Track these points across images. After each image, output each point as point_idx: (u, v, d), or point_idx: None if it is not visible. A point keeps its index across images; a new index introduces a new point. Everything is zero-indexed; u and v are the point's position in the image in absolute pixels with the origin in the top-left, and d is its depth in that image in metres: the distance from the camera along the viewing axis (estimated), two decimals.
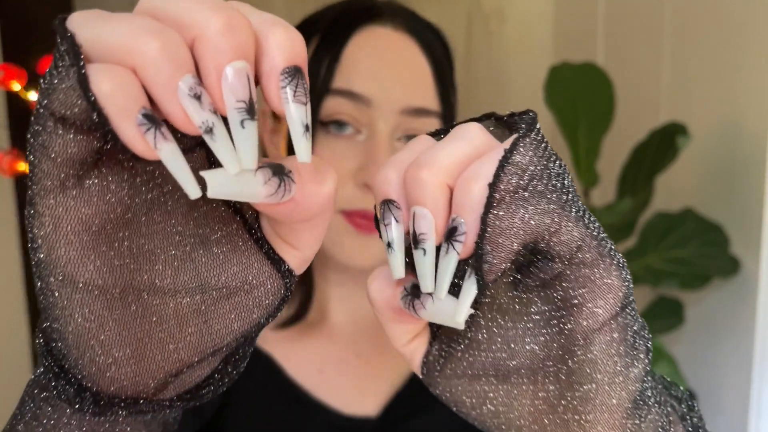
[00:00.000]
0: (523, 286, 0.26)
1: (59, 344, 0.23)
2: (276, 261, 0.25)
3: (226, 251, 0.24)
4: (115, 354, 0.23)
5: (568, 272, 0.24)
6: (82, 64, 0.19)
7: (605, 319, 0.24)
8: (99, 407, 0.23)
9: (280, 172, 0.21)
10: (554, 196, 0.23)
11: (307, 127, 0.21)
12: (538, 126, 0.23)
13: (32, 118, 0.20)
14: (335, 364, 0.59)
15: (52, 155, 0.20)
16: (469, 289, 0.23)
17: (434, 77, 0.54)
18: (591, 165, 1.13)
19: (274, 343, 0.58)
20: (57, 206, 0.20)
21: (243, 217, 0.24)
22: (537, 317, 0.26)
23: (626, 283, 0.25)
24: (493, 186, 0.22)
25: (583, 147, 1.11)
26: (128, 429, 0.25)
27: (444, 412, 0.57)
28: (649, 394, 0.27)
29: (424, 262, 0.23)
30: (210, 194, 0.20)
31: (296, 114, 0.21)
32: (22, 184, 1.28)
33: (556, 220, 0.23)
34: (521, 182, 0.22)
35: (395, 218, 0.24)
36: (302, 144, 0.21)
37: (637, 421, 0.26)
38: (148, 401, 0.24)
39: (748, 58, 1.03)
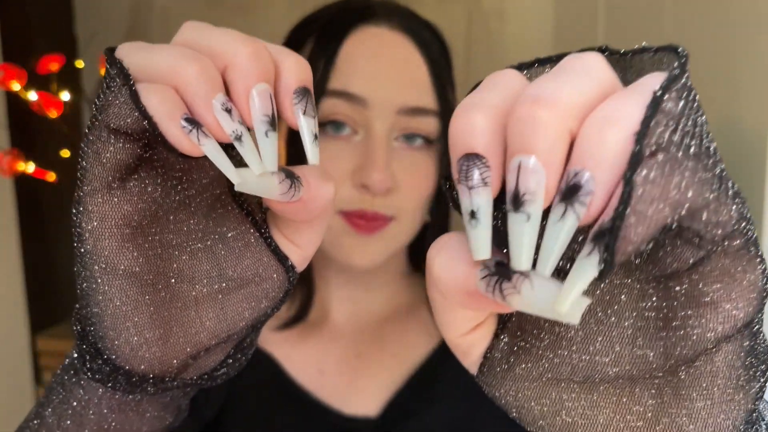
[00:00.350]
0: (640, 273, 0.21)
1: (97, 327, 0.26)
2: (281, 257, 0.28)
3: (241, 246, 0.28)
4: (147, 335, 0.26)
5: (705, 262, 0.19)
6: (132, 82, 0.23)
7: (744, 323, 0.20)
8: (131, 385, 0.27)
9: (291, 176, 0.24)
10: (710, 162, 0.18)
11: (316, 135, 0.25)
12: (688, 69, 0.18)
13: (86, 130, 0.24)
14: (335, 364, 0.59)
15: (104, 161, 0.24)
16: (585, 269, 0.17)
17: (431, 76, 0.54)
18: None
19: (275, 344, 0.58)
20: (104, 204, 0.24)
21: (253, 219, 0.28)
22: (653, 314, 0.21)
23: (764, 278, 0.20)
24: (641, 137, 0.17)
25: None
26: (149, 409, 0.29)
27: (444, 412, 0.57)
28: (762, 407, 0.23)
29: (525, 231, 0.18)
30: (237, 188, 0.23)
31: (307, 126, 0.24)
32: (22, 184, 1.28)
33: (714, 192, 0.18)
34: (674, 138, 0.17)
35: (483, 180, 0.18)
36: (312, 150, 0.25)
37: None
38: (173, 379, 0.27)
39: (748, 58, 1.04)
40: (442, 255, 0.21)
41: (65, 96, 1.06)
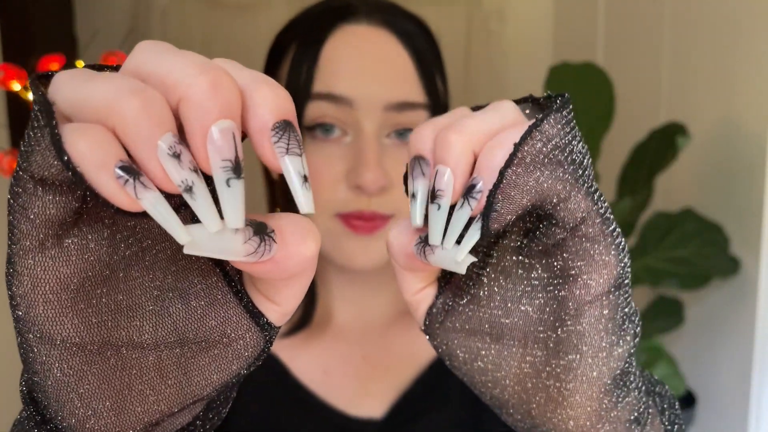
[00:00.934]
0: (527, 250, 0.28)
1: (40, 396, 0.23)
2: (255, 314, 0.24)
3: (205, 305, 0.24)
4: (95, 406, 0.23)
5: (570, 243, 0.26)
6: (54, 123, 0.19)
7: (597, 293, 0.26)
8: None
9: (261, 231, 0.21)
10: (570, 168, 0.24)
11: (305, 177, 0.21)
12: (570, 106, 0.25)
13: (12, 180, 0.20)
14: (340, 365, 0.59)
15: (31, 216, 0.20)
16: (473, 234, 0.24)
17: (417, 69, 0.53)
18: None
19: (280, 345, 0.58)
20: (36, 266, 0.21)
21: (223, 270, 0.24)
22: (536, 282, 0.28)
23: (622, 264, 0.26)
24: (517, 146, 0.23)
25: None
26: None
27: (449, 415, 0.56)
28: (631, 379, 0.29)
29: (437, 216, 0.25)
30: (186, 251, 0.20)
31: (293, 167, 0.21)
32: None
33: (567, 188, 0.24)
34: (544, 149, 0.24)
35: (423, 172, 0.26)
36: (302, 195, 0.21)
37: (614, 400, 0.28)
38: None
39: (747, 58, 1.03)
40: (395, 229, 0.28)
41: None
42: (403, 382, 0.58)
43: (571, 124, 0.25)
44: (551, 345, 0.28)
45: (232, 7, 1.64)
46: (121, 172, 0.19)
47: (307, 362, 0.58)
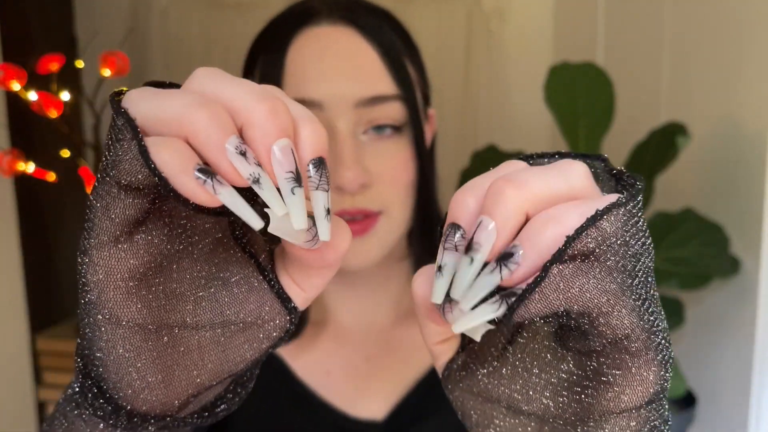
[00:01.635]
0: (561, 341, 0.26)
1: (100, 370, 0.26)
2: (285, 299, 0.28)
3: (245, 291, 0.27)
4: (149, 379, 0.26)
5: (608, 350, 0.24)
6: (141, 137, 0.22)
7: (627, 407, 0.25)
8: (132, 424, 0.27)
9: (315, 224, 0.24)
10: (620, 277, 0.22)
11: (328, 210, 0.24)
12: (640, 198, 0.23)
13: (96, 184, 0.24)
14: (342, 365, 0.59)
15: (113, 216, 0.23)
16: (486, 312, 0.23)
17: (384, 62, 0.52)
18: None
19: (282, 346, 0.58)
20: (110, 258, 0.24)
21: (257, 261, 0.28)
22: (564, 376, 0.26)
23: (662, 382, 0.25)
24: (570, 241, 0.22)
25: (583, 147, 1.11)
26: None
27: (451, 420, 0.56)
28: None
29: (466, 271, 0.23)
30: (270, 229, 0.24)
31: (320, 200, 0.24)
32: (22, 184, 1.28)
33: (611, 301, 0.22)
34: (596, 250, 0.22)
35: (456, 245, 0.24)
36: (324, 225, 0.24)
37: None
38: (173, 418, 0.28)
39: (747, 58, 1.03)
40: (419, 278, 0.27)
41: (65, 96, 1.06)
42: (405, 385, 0.58)
43: (634, 220, 0.22)
44: None
45: (232, 7, 1.64)
46: (199, 174, 0.22)
47: (309, 363, 0.58)
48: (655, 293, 0.24)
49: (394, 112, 0.52)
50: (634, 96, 1.26)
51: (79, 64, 1.18)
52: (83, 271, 0.25)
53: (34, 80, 1.02)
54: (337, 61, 0.52)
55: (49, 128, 1.08)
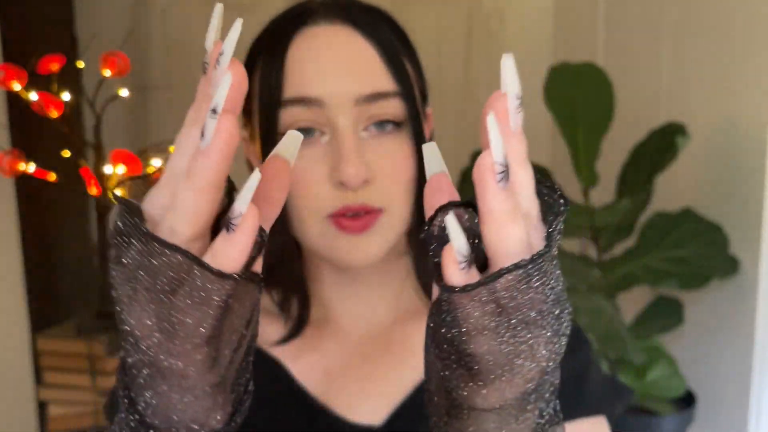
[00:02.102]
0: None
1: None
2: (256, 280, 0.30)
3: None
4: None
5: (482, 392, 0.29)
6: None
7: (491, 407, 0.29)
8: None
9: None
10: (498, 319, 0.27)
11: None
12: (553, 251, 0.27)
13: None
14: (342, 368, 0.59)
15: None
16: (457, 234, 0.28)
17: (383, 58, 0.53)
18: (590, 165, 1.13)
19: (281, 349, 0.58)
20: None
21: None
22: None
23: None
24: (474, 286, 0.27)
25: (582, 147, 1.11)
26: None
27: None
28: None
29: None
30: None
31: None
32: (22, 184, 1.28)
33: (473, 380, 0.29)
34: (488, 307, 0.27)
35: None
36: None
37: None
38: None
39: (747, 59, 1.04)
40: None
41: (65, 96, 1.06)
42: (405, 389, 0.58)
43: (532, 280, 0.27)
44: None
45: (232, 7, 1.64)
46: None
47: (308, 363, 0.58)
48: (532, 339, 0.27)
49: (394, 108, 0.53)
50: (634, 96, 1.27)
51: (80, 64, 1.18)
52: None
53: (35, 80, 1.02)
54: (336, 59, 0.52)
55: (50, 128, 1.08)
